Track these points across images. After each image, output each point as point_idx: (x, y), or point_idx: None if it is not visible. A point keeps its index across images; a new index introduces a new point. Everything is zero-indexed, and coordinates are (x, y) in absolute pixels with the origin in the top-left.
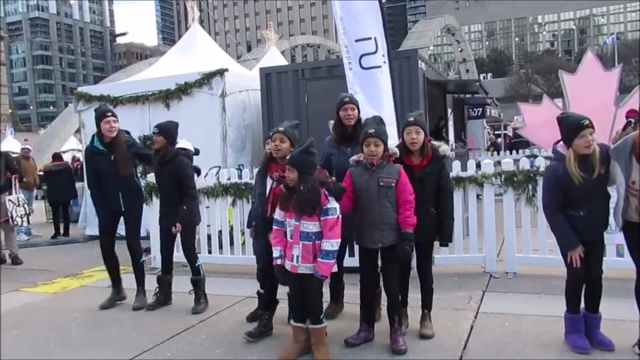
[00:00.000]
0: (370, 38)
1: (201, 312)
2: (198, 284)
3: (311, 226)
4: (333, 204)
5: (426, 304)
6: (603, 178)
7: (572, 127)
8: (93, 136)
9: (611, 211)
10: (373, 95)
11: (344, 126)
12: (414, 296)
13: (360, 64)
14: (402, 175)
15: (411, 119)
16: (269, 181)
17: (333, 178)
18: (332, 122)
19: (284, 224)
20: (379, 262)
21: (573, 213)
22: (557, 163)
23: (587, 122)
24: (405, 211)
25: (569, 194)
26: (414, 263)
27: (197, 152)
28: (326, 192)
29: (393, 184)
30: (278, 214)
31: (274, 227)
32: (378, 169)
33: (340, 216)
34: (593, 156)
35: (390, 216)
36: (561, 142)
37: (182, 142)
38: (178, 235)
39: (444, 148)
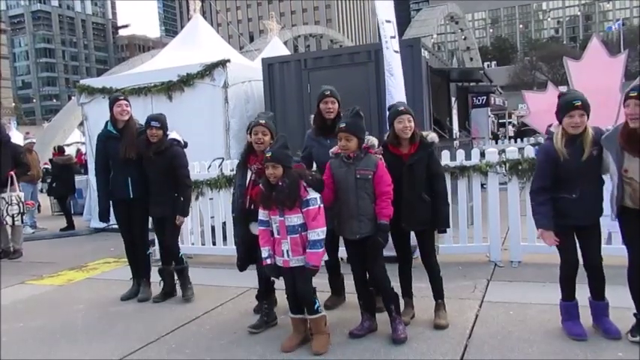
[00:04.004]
0: (390, 22)
1: (190, 297)
2: (183, 272)
3: (295, 219)
4: (313, 194)
5: (437, 293)
6: (595, 161)
7: (563, 104)
8: (107, 122)
9: (606, 197)
10: (401, 79)
11: (323, 119)
12: (422, 285)
13: (392, 45)
14: (380, 167)
15: (402, 108)
16: (249, 173)
17: (314, 170)
18: (313, 116)
19: (269, 223)
20: None
21: (566, 195)
22: (549, 142)
23: (579, 103)
24: (381, 202)
25: (560, 175)
26: (416, 254)
27: (185, 145)
28: (305, 184)
29: (370, 176)
30: (262, 214)
31: (260, 228)
32: (355, 162)
33: (322, 205)
34: (584, 137)
35: (367, 207)
36: (555, 123)
37: (173, 134)
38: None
39: (432, 136)
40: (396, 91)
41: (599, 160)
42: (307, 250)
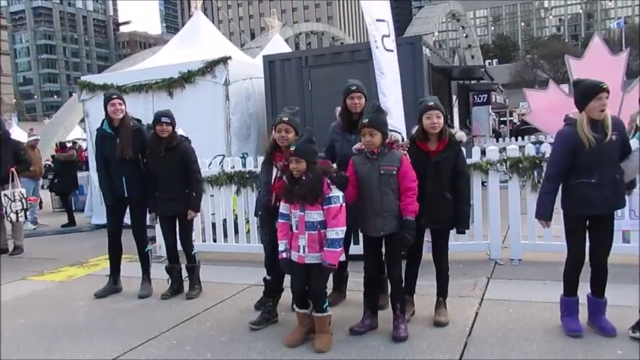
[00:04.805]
0: (384, 20)
1: (195, 297)
2: (193, 271)
3: (315, 215)
4: (336, 192)
5: (442, 291)
6: (615, 145)
7: (588, 89)
8: (103, 120)
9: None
10: (395, 78)
11: (350, 113)
12: (425, 283)
13: (383, 44)
14: (404, 163)
15: (431, 103)
16: (274, 170)
17: (335, 167)
18: (339, 108)
19: (289, 217)
20: (383, 250)
21: (585, 180)
22: (569, 127)
23: (605, 86)
24: (406, 198)
25: (579, 159)
26: (424, 250)
27: (189, 142)
28: (329, 181)
29: (394, 172)
30: (283, 207)
31: (280, 221)
32: (379, 158)
33: (344, 204)
34: (604, 120)
35: (391, 204)
36: (574, 111)
37: (179, 130)
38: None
39: (461, 134)
40: (389, 90)
41: (619, 145)
42: (325, 249)
